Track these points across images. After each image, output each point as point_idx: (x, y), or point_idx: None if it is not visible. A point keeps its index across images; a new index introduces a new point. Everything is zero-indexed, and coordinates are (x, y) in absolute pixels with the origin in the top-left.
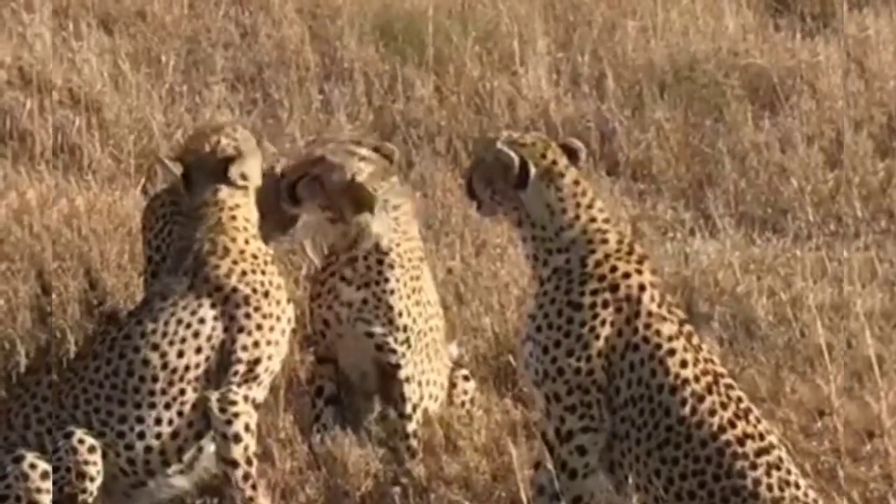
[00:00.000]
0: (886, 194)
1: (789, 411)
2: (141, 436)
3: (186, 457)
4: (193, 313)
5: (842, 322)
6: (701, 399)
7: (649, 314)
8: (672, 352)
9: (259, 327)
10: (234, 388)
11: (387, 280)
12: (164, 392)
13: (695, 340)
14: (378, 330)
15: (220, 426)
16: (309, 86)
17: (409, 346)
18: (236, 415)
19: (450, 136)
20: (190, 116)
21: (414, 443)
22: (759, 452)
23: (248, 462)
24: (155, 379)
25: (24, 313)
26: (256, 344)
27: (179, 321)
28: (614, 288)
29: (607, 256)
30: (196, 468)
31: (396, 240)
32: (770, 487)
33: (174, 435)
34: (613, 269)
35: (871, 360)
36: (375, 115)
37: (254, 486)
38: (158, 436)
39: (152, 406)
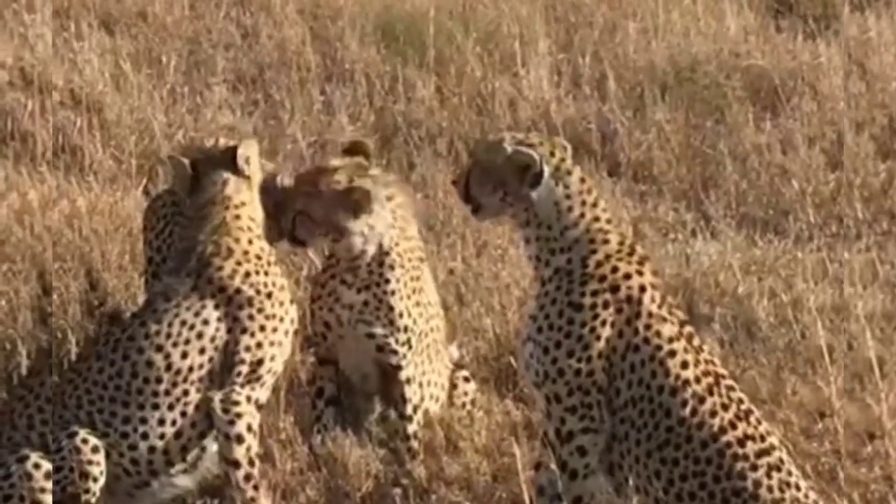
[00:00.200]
0: (888, 196)
1: (790, 413)
2: (144, 436)
3: (190, 456)
4: (197, 314)
5: (843, 324)
6: (701, 400)
7: (650, 315)
8: (673, 353)
9: (262, 328)
10: (238, 388)
11: (387, 281)
12: (167, 393)
13: (695, 342)
14: (379, 331)
15: (222, 427)
16: (310, 87)
17: (410, 347)
18: (239, 415)
19: (451, 137)
20: (191, 117)
21: (414, 444)
22: (760, 454)
23: (251, 463)
24: (159, 380)
25: (26, 314)
26: (259, 345)
27: (183, 322)
28: (615, 289)
29: (608, 257)
30: (199, 468)
31: (396, 238)
32: (770, 489)
33: (177, 435)
34: (614, 269)
35: (872, 362)
36: (377, 116)
37: (255, 487)
38: (162, 436)
39: (156, 407)
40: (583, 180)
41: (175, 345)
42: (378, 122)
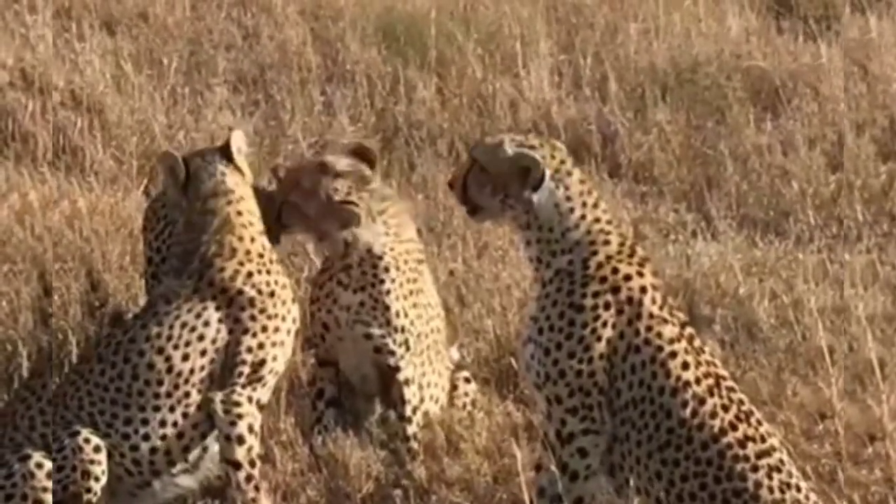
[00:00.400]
0: (888, 197)
1: (790, 414)
2: (146, 437)
3: (192, 456)
4: (198, 316)
5: (843, 325)
6: (702, 401)
7: (651, 316)
8: (673, 354)
9: (264, 329)
10: (239, 389)
11: (382, 282)
12: (168, 395)
13: (696, 343)
14: (376, 332)
15: (223, 427)
16: (311, 87)
17: (408, 348)
18: (240, 416)
19: (452, 138)
20: (192, 118)
21: (415, 445)
22: (760, 455)
23: (251, 464)
24: (160, 382)
25: (27, 314)
26: (261, 346)
27: (184, 325)
28: (616, 290)
29: (609, 258)
30: (201, 468)
31: (389, 243)
32: (771, 490)
33: (179, 436)
34: (615, 271)
35: (873, 364)
36: (377, 117)
37: (256, 488)
38: (163, 437)
39: (157, 409)
40: (583, 182)
41: (176, 347)
42: (379, 122)
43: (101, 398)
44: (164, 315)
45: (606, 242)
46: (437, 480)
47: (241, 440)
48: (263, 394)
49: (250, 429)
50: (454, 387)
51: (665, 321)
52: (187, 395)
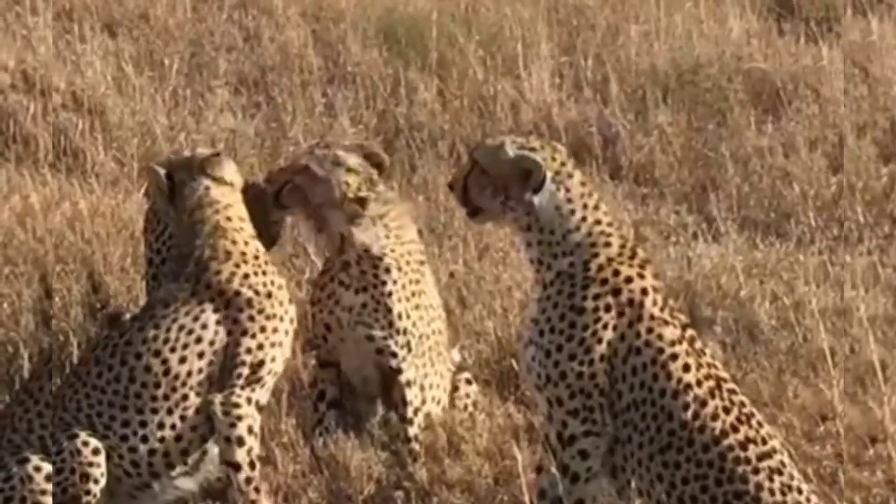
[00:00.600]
0: (889, 199)
1: (792, 416)
2: (144, 439)
3: (191, 459)
4: (196, 319)
5: (844, 327)
6: (703, 403)
7: (651, 318)
8: (674, 356)
9: (262, 329)
10: (238, 390)
11: (384, 283)
12: (166, 397)
13: (697, 345)
14: (378, 333)
15: (223, 429)
16: (312, 89)
17: (410, 350)
18: (240, 417)
19: (453, 139)
20: (193, 120)
21: (416, 446)
22: (762, 457)
23: (251, 465)
24: (157, 385)
25: (28, 316)
26: (260, 346)
27: (181, 327)
28: (617, 292)
29: (610, 260)
30: (201, 470)
31: (389, 245)
32: (772, 492)
33: (178, 438)
34: (616, 273)
35: (874, 365)
36: (378, 118)
37: (256, 490)
38: (162, 439)
39: (155, 411)
40: (584, 184)
41: (173, 350)
42: (380, 124)
43: (99, 400)
44: (162, 318)
45: (607, 244)
46: (438, 482)
47: (240, 442)
48: (262, 395)
49: (250, 430)
50: (455, 388)
51: (666, 323)
52: (185, 397)
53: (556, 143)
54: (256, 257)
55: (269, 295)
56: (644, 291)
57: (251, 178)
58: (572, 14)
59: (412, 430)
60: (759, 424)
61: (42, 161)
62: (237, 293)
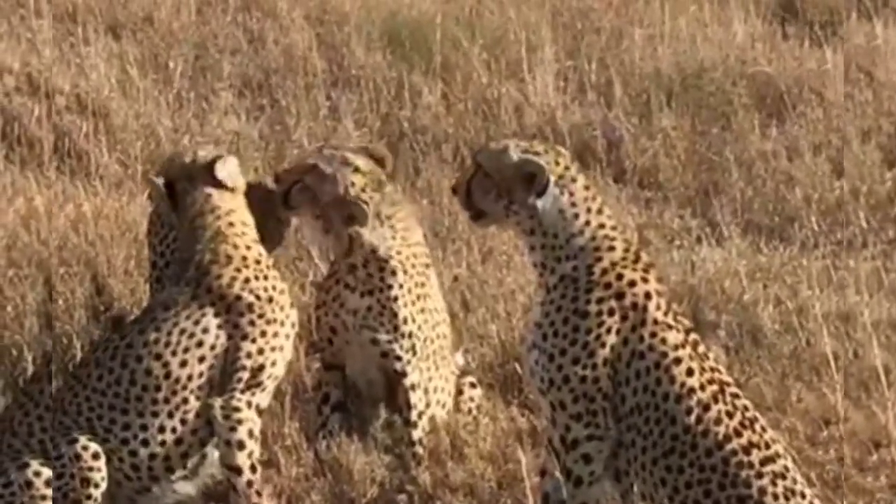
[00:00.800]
0: (893, 204)
1: (795, 420)
2: (145, 443)
3: (190, 463)
4: (196, 323)
5: (848, 331)
6: (707, 408)
7: (655, 322)
8: (678, 360)
9: (263, 333)
10: (238, 394)
11: (390, 287)
12: (166, 401)
13: (701, 349)
14: (383, 337)
15: (223, 433)
16: (316, 92)
17: (415, 353)
18: (240, 421)
19: (457, 143)
20: (197, 122)
21: (419, 450)
22: (765, 461)
23: (252, 469)
24: (157, 388)
25: (31, 319)
26: (261, 351)
27: (182, 331)
28: (620, 296)
29: (613, 264)
30: (200, 474)
31: (396, 247)
32: (776, 496)
33: (178, 442)
34: (619, 277)
35: (878, 370)
36: (382, 121)
37: (258, 493)
38: (162, 443)
39: (155, 415)
40: (587, 187)
41: (174, 353)
42: (384, 127)
43: (100, 403)
44: (163, 321)
45: (611, 248)
46: (442, 486)
47: (241, 445)
48: (263, 399)
49: (250, 434)
50: (459, 392)
51: (669, 327)
52: (185, 401)
53: (560, 146)
54: (258, 262)
55: (270, 299)
56: (647, 295)
57: (258, 179)
58: (576, 17)
59: (416, 434)
60: (763, 429)
61: (46, 163)
62: (238, 297)
